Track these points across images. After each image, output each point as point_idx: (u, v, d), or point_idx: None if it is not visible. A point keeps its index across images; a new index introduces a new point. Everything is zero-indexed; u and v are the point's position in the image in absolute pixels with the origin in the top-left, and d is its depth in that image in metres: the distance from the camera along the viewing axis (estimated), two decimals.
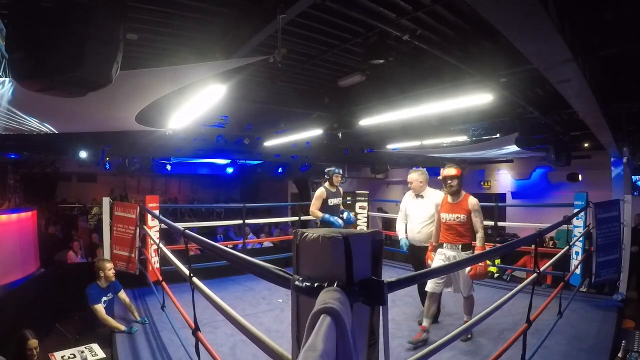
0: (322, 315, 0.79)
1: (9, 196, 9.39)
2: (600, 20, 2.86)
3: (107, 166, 8.98)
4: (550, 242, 6.89)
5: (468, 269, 3.23)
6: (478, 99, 3.98)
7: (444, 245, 3.47)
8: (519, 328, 2.48)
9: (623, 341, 3.33)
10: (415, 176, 3.91)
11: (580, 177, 9.17)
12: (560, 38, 2.10)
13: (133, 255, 4.66)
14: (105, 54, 1.67)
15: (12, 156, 8.16)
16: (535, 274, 2.67)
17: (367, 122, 5.54)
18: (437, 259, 3.47)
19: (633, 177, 7.50)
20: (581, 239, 4.57)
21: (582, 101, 3.49)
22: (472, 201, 3.40)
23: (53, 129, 4.77)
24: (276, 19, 2.47)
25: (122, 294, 4.05)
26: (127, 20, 1.88)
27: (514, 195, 10.69)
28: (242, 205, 6.11)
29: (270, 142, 7.62)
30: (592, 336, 3.52)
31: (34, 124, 4.25)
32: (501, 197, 10.79)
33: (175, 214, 11.66)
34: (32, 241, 6.00)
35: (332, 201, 4.68)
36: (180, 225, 3.07)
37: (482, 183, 11.29)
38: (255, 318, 4.05)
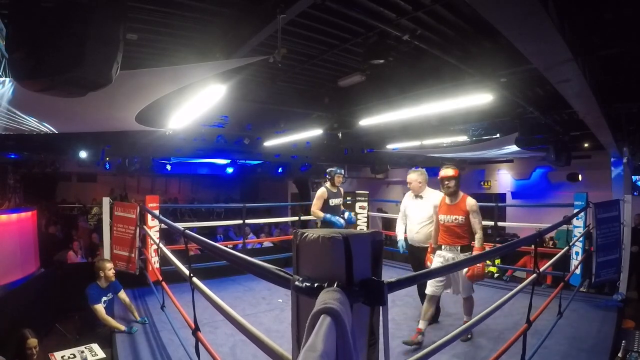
0: (322, 316, 0.79)
1: (9, 196, 9.39)
2: (600, 20, 2.86)
3: (107, 166, 8.98)
4: (550, 242, 6.88)
5: (465, 269, 3.20)
6: (478, 99, 3.97)
7: (443, 247, 3.44)
8: (519, 328, 2.48)
9: (623, 341, 3.33)
10: (414, 176, 3.91)
11: (580, 177, 9.17)
12: (560, 38, 2.10)
13: (133, 255, 4.66)
14: (105, 54, 1.67)
15: (12, 156, 8.16)
16: (535, 274, 2.67)
17: (367, 122, 5.54)
18: (436, 261, 3.44)
19: (633, 177, 7.50)
20: (581, 239, 4.57)
21: (582, 101, 3.49)
22: (470, 202, 3.37)
23: (53, 129, 4.77)
24: (276, 19, 2.47)
25: (122, 294, 4.05)
26: (127, 20, 1.88)
27: (514, 195, 10.69)
28: (242, 205, 6.11)
29: (270, 142, 7.62)
30: (592, 336, 3.52)
31: (34, 124, 4.25)
32: (501, 197, 10.79)
33: (175, 214, 11.66)
34: (32, 241, 6.00)
35: (333, 201, 4.68)
36: (180, 225, 3.07)
37: (482, 183, 11.29)
38: (255, 318, 4.05)
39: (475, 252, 3.29)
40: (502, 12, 1.88)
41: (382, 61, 3.43)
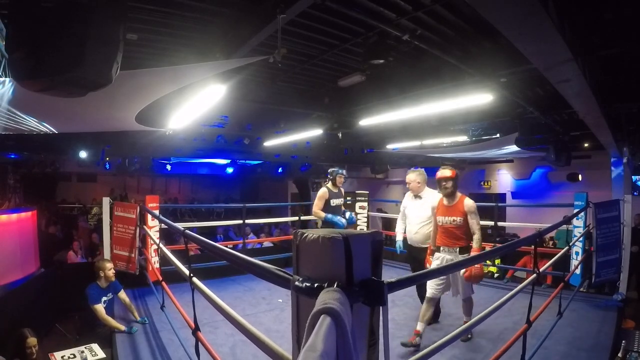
0: (322, 316, 0.79)
1: (9, 196, 9.39)
2: (600, 20, 2.86)
3: (107, 166, 8.98)
4: (550, 242, 6.88)
5: (463, 270, 3.16)
6: (478, 99, 3.97)
7: (441, 248, 3.41)
8: (519, 328, 2.48)
9: (623, 341, 3.33)
10: (413, 177, 3.90)
11: (580, 177, 9.18)
12: (560, 38, 2.10)
13: (133, 255, 4.66)
14: (105, 54, 1.67)
15: (12, 156, 8.16)
16: (535, 274, 2.67)
17: (367, 122, 5.54)
18: (435, 264, 3.41)
19: (633, 177, 7.50)
20: (581, 239, 4.57)
21: (582, 101, 3.49)
22: (468, 203, 3.34)
23: (53, 129, 4.77)
24: (276, 19, 2.47)
25: (122, 294, 4.05)
26: (127, 20, 1.88)
27: (514, 195, 10.69)
28: (242, 205, 6.11)
29: (270, 142, 7.62)
30: (592, 336, 3.52)
31: (34, 124, 4.25)
32: (501, 197, 10.79)
33: (175, 214, 11.66)
34: (32, 241, 6.00)
35: (335, 202, 4.68)
36: (180, 225, 3.07)
37: (482, 183, 11.29)
38: (255, 318, 4.05)
39: (473, 253, 3.26)
40: (502, 12, 1.88)
41: (382, 61, 3.43)
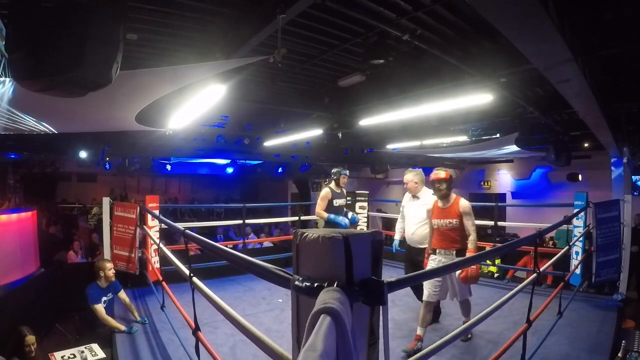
0: (322, 315, 0.79)
1: (9, 196, 9.40)
2: (600, 20, 2.86)
3: (107, 166, 8.98)
4: (550, 242, 6.89)
5: (459, 272, 3.13)
6: (478, 99, 3.97)
7: (437, 251, 3.38)
8: (518, 328, 2.48)
9: (623, 341, 3.33)
10: (410, 177, 3.88)
11: (580, 177, 9.17)
12: (560, 38, 2.10)
13: (133, 255, 4.66)
14: (105, 54, 1.67)
15: (12, 156, 8.16)
16: (535, 274, 2.67)
17: (367, 122, 5.54)
18: (431, 266, 3.37)
19: (633, 177, 7.50)
20: (581, 239, 4.57)
21: (582, 101, 3.49)
22: (463, 204, 3.31)
23: (52, 129, 4.77)
24: (276, 19, 2.47)
25: (122, 294, 4.05)
26: (127, 20, 1.88)
27: (514, 195, 10.69)
28: (242, 205, 6.11)
29: (270, 142, 7.62)
30: (592, 336, 3.52)
31: (34, 124, 4.25)
32: (501, 197, 10.79)
33: (175, 214, 11.66)
34: (32, 241, 6.00)
35: (337, 202, 4.67)
36: (180, 225, 3.07)
37: (482, 183, 11.28)
38: (255, 318, 4.05)
39: (468, 254, 3.21)
40: (502, 12, 1.88)
41: (382, 61, 3.43)
